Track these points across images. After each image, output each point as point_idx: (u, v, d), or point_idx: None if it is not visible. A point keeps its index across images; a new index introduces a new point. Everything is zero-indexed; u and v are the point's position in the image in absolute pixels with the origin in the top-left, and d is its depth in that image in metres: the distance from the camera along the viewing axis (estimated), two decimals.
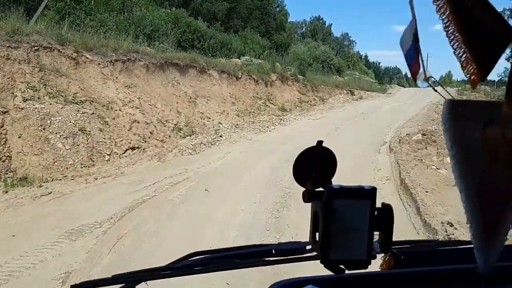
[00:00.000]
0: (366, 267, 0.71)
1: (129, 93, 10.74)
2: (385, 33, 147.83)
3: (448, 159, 7.06)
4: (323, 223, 0.67)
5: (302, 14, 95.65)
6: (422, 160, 7.16)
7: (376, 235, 0.72)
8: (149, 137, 9.41)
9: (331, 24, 56.75)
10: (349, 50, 49.22)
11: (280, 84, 19.43)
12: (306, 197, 0.74)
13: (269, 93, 17.89)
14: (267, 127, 12.69)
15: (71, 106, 8.70)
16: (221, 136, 10.86)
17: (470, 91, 26.69)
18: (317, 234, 0.69)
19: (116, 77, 11.02)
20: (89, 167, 7.52)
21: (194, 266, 0.88)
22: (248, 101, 16.09)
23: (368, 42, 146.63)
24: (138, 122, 9.60)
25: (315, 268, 0.80)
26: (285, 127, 13.06)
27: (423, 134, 9.25)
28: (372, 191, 0.69)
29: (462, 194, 0.62)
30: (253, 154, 9.18)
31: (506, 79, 0.59)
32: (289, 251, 0.88)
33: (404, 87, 43.77)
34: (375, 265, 0.78)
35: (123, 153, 8.40)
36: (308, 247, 0.82)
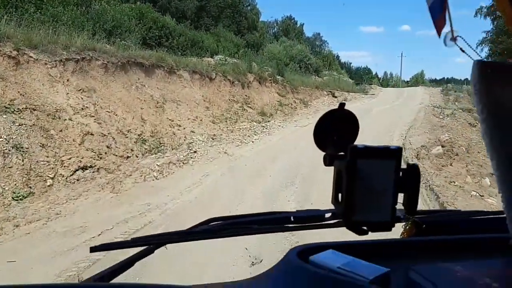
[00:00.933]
0: (390, 229, 0.70)
1: (82, 98, 9.06)
2: (354, 34, 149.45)
3: (486, 181, 5.84)
4: (347, 183, 0.67)
5: (273, 14, 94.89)
6: (454, 182, 5.83)
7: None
8: (105, 153, 7.75)
9: (303, 24, 56.58)
10: (321, 50, 48.59)
11: (258, 85, 18.00)
12: (328, 160, 0.73)
13: (246, 95, 16.44)
14: (249, 136, 11.23)
15: (4, 116, 6.99)
16: (195, 151, 9.10)
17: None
18: (339, 195, 0.70)
19: (67, 80, 9.32)
20: (13, 204, 5.80)
21: (212, 231, 0.88)
22: (224, 105, 14.58)
23: (338, 42, 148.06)
24: (92, 134, 7.94)
25: (335, 236, 0.81)
26: (270, 136, 11.62)
27: (442, 146, 7.94)
28: (398, 150, 0.68)
29: (494, 161, 0.63)
30: (238, 177, 7.40)
31: None
32: (308, 218, 0.87)
33: (382, 87, 43.26)
34: (396, 233, 0.77)
35: (71, 175, 6.73)
36: (328, 214, 0.83)
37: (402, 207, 0.73)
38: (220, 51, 21.00)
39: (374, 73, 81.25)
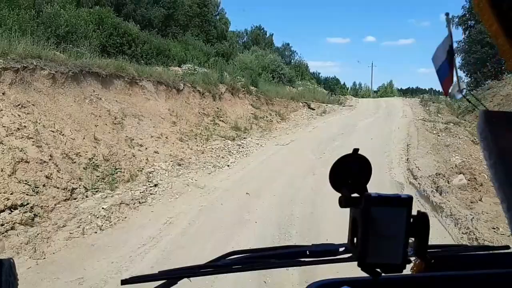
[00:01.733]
0: (401, 271, 0.75)
1: (20, 115, 7.53)
2: (320, 45, 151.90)
3: None
4: (362, 230, 0.73)
5: (242, 25, 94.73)
6: (498, 228, 4.59)
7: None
8: (44, 185, 6.24)
9: (272, 34, 56.69)
10: (290, 61, 48.44)
11: (230, 97, 16.74)
12: (343, 203, 0.78)
13: (218, 108, 15.13)
14: (224, 158, 9.71)
15: None
16: (156, 184, 7.20)
17: (437, 97, 25.77)
18: (354, 239, 0.75)
19: (3, 93, 7.78)
20: None
21: (232, 265, 0.92)
22: (193, 119, 13.21)
23: (305, 53, 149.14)
24: (27, 162, 6.42)
25: (346, 270, 0.93)
26: (248, 157, 10.08)
27: (461, 173, 6.75)
28: (409, 199, 0.74)
29: (504, 204, 0.70)
30: (212, 225, 5.68)
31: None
32: (323, 253, 0.91)
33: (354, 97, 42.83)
34: (407, 267, 0.80)
35: None
36: (341, 249, 0.88)
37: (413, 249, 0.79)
38: (188, 60, 19.66)
39: (342, 83, 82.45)
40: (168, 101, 13.04)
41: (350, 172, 0.80)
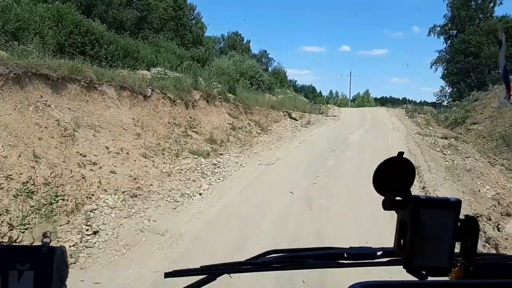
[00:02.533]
0: (447, 275, 0.79)
1: None
2: (296, 53, 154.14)
3: None
4: (411, 231, 0.74)
5: (218, 31, 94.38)
6: None
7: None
8: None
9: (249, 40, 56.61)
10: (267, 68, 47.95)
11: (205, 104, 15.26)
12: (387, 206, 0.81)
13: (191, 117, 13.63)
14: (194, 181, 7.94)
15: None
16: (96, 231, 5.24)
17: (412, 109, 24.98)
18: (401, 240, 0.77)
19: None
20: None
21: (271, 263, 0.95)
22: (162, 130, 11.68)
23: (282, 60, 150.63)
24: None
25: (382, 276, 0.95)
26: (226, 182, 8.22)
27: (508, 215, 5.41)
28: (457, 203, 0.75)
29: None
30: None
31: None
32: (361, 256, 0.92)
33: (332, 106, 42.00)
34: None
35: None
36: (379, 252, 0.90)
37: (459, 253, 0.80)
38: (159, 63, 18.10)
39: (318, 91, 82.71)
40: (132, 109, 11.48)
41: (393, 176, 0.81)
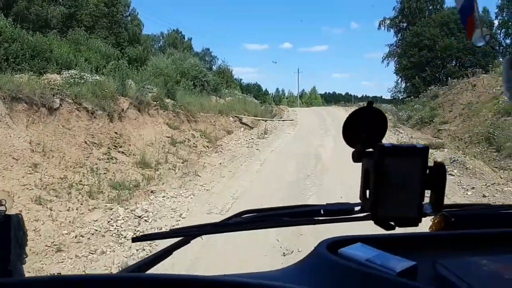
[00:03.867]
0: (417, 225, 0.75)
1: None
2: (239, 51, 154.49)
3: None
4: (374, 181, 0.72)
5: (158, 29, 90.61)
6: None
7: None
8: None
9: (191, 38, 54.49)
10: (211, 66, 46.11)
11: (137, 114, 12.39)
12: (356, 157, 0.78)
13: (116, 132, 10.73)
14: (99, 260, 4.80)
15: None
16: None
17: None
18: (367, 191, 0.75)
19: None
20: None
21: (245, 223, 0.93)
22: (75, 154, 8.76)
23: (225, 58, 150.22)
24: None
25: (363, 230, 0.85)
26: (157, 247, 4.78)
27: None
28: (424, 149, 0.73)
29: None
30: None
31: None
32: (338, 212, 0.92)
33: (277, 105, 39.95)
34: (424, 227, 0.82)
35: None
36: (357, 208, 0.88)
37: (429, 203, 0.76)
38: (78, 64, 14.93)
39: (264, 89, 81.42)
40: (31, 128, 8.48)
41: (364, 127, 0.79)
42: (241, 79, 69.43)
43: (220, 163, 10.15)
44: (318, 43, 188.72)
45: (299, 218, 0.95)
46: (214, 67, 48.86)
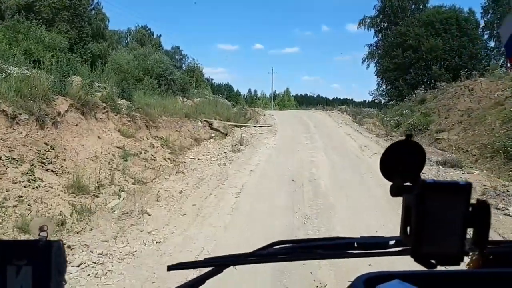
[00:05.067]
0: (459, 263, 0.74)
1: None
2: (211, 51, 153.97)
3: None
4: (416, 217, 0.71)
5: (126, 25, 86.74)
6: None
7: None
8: None
9: (160, 35, 52.19)
10: (181, 65, 44.03)
11: (79, 119, 9.98)
12: (395, 191, 0.78)
13: (47, 143, 8.29)
14: None
15: None
16: None
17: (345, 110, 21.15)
18: (408, 228, 0.74)
19: None
20: None
21: (279, 254, 0.93)
22: None
23: (195, 58, 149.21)
24: None
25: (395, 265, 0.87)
26: None
27: None
28: (468, 186, 0.72)
29: None
30: None
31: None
32: (371, 245, 0.90)
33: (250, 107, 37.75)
34: (462, 264, 0.78)
35: None
36: (392, 242, 0.87)
37: (471, 240, 0.75)
38: (13, 55, 12.31)
39: (236, 90, 79.69)
40: None
41: (402, 160, 0.77)
42: (212, 79, 67.75)
43: (181, 191, 7.54)
44: (289, 45, 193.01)
45: (332, 251, 0.93)
46: (184, 66, 46.95)
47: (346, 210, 6.53)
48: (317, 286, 4.27)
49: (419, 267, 0.76)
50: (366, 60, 38.45)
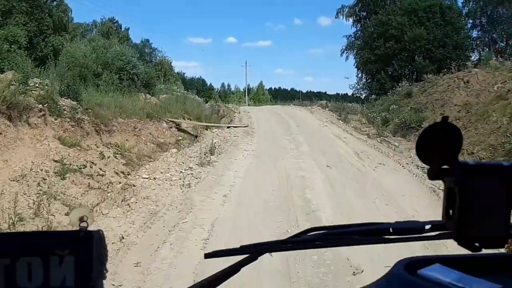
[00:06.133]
0: (503, 246, 0.75)
1: None
2: (183, 45, 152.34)
3: None
4: (460, 200, 0.71)
5: (90, 17, 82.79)
6: None
7: None
8: None
9: (128, 28, 49.93)
10: (151, 59, 41.85)
11: (4, 126, 7.91)
12: (432, 175, 0.77)
13: None
14: None
15: None
16: None
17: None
18: (450, 211, 0.74)
19: None
20: None
21: (314, 241, 0.94)
22: None
23: (167, 52, 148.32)
24: None
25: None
26: None
27: None
28: (511, 167, 0.72)
29: None
30: None
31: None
32: (407, 230, 0.89)
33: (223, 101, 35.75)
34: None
35: None
36: (428, 226, 0.86)
37: None
38: None
39: (209, 84, 77.97)
40: None
41: (438, 143, 0.76)
42: (184, 73, 65.80)
43: (122, 237, 5.27)
44: (262, 38, 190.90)
45: (368, 237, 0.92)
46: (155, 60, 44.96)
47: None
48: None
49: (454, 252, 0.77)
50: (345, 51, 36.86)
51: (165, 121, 14.03)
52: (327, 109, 21.94)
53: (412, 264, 0.80)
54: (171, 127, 13.92)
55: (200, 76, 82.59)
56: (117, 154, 9.87)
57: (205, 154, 9.82)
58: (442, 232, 0.80)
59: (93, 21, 50.72)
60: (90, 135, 10.06)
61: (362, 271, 4.19)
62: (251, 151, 10.91)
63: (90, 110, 10.61)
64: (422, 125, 15.29)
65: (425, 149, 0.76)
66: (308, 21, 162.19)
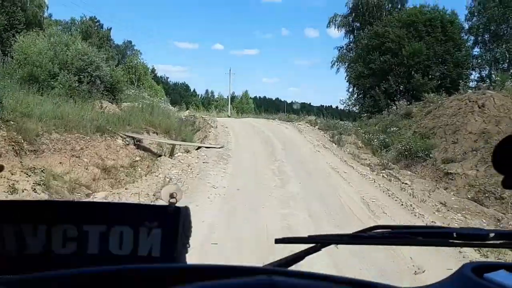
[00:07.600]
0: None
1: None
2: (169, 48, 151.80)
3: None
4: None
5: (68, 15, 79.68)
6: None
7: None
8: None
9: (111, 28, 47.41)
10: (131, 60, 39.43)
11: None
12: (507, 184, 0.80)
13: None
14: None
15: None
16: None
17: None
18: None
19: None
20: None
21: (378, 238, 0.95)
22: None
23: (153, 55, 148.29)
24: None
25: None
26: None
27: None
28: None
29: None
30: None
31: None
32: (472, 236, 0.90)
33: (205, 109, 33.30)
34: None
35: None
36: (492, 234, 0.86)
37: None
38: None
39: (192, 90, 76.17)
40: None
41: None
42: (168, 77, 63.92)
43: None
44: (250, 46, 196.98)
45: (432, 239, 0.94)
46: (132, 61, 42.67)
47: None
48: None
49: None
50: (336, 63, 34.80)
51: (122, 136, 11.53)
52: (316, 127, 19.67)
53: (479, 268, 0.80)
54: (128, 144, 11.42)
55: (184, 82, 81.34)
56: (40, 183, 7.35)
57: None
58: (507, 241, 0.85)
59: (70, 18, 48.03)
60: (7, 156, 7.54)
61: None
62: (221, 188, 8.08)
63: (11, 122, 8.09)
64: (431, 155, 13.09)
65: (501, 160, 0.79)
66: (296, 32, 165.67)
